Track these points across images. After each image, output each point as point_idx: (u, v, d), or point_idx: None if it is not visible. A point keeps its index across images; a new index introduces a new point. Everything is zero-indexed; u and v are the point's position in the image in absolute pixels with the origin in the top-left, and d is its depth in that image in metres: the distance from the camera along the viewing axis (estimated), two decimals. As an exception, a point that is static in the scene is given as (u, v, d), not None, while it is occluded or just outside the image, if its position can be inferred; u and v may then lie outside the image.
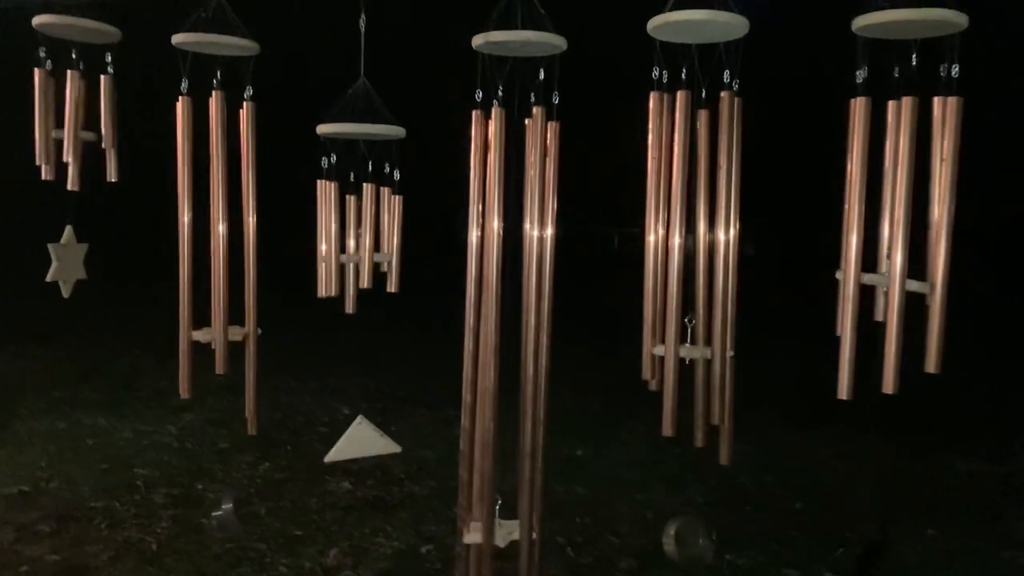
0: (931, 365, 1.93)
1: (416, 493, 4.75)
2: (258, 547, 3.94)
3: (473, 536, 2.35)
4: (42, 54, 2.64)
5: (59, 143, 2.72)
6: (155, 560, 3.80)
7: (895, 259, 1.90)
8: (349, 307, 2.47)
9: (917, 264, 1.92)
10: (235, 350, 2.63)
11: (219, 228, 2.53)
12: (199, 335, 2.54)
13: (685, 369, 2.19)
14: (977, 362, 8.32)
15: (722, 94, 2.07)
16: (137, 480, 4.82)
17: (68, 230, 2.90)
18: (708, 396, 2.20)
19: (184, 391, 2.60)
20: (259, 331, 2.59)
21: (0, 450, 5.30)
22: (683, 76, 2.09)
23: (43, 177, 2.72)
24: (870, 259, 1.96)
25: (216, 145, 2.50)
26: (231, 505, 3.34)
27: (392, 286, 2.52)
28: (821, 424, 6.16)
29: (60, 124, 2.73)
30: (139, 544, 3.96)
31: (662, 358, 2.16)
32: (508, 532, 2.36)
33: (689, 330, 2.18)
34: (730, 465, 2.28)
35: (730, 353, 2.17)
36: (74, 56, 2.68)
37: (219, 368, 2.55)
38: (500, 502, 2.35)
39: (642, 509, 4.55)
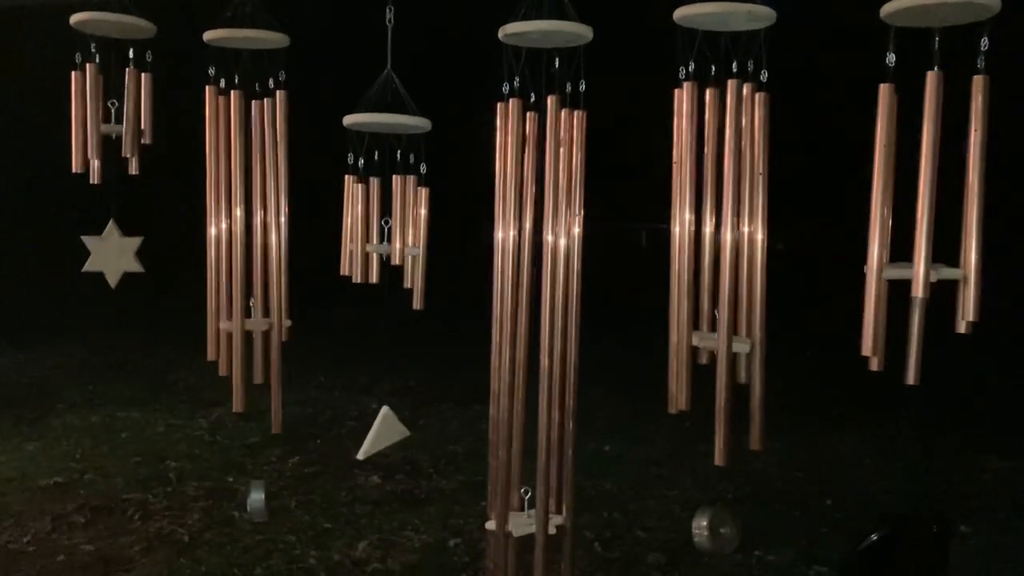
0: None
1: (444, 487, 4.77)
2: (288, 539, 3.98)
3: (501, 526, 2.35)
4: (92, 49, 2.65)
5: (104, 137, 2.72)
6: (187, 551, 3.84)
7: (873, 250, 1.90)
8: (417, 303, 2.50)
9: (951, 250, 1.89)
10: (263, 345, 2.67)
11: (230, 224, 2.58)
12: (227, 325, 2.57)
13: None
14: (1013, 357, 8.16)
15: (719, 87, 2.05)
16: (169, 473, 4.89)
17: (111, 224, 2.91)
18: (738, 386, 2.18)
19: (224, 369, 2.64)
20: (288, 322, 2.62)
21: (36, 442, 5.40)
22: (686, 67, 2.06)
23: (74, 170, 2.73)
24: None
25: (250, 138, 2.53)
26: (261, 495, 3.37)
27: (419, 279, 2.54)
28: (852, 420, 6.09)
29: (98, 120, 2.73)
30: (171, 536, 4.01)
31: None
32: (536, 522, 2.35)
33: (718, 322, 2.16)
34: (760, 462, 2.25)
35: (746, 347, 2.15)
36: (131, 54, 2.67)
37: (211, 355, 2.61)
38: (528, 493, 2.34)
39: (671, 504, 4.52)
